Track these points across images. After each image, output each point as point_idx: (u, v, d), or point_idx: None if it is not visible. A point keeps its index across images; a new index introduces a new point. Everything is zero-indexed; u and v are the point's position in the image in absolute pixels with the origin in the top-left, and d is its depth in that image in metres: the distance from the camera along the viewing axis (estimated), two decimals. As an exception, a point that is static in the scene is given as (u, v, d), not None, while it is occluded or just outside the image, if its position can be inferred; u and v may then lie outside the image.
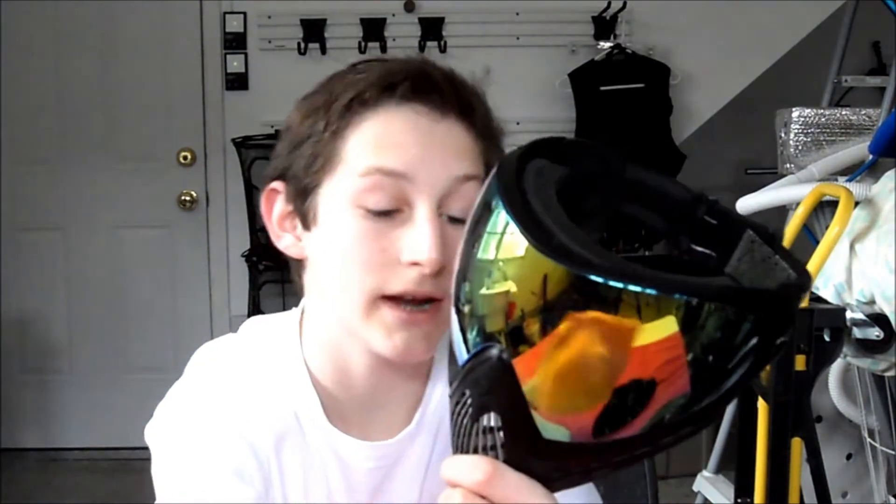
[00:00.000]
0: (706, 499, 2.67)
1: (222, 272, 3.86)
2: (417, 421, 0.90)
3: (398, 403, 0.90)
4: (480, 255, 0.57)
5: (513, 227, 0.55)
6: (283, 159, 0.86)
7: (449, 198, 0.81)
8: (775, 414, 1.50)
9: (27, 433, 3.87)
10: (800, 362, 1.47)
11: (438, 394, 0.91)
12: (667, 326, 0.51)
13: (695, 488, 2.71)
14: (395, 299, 0.81)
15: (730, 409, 2.58)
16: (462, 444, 0.60)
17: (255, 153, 3.56)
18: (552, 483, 0.59)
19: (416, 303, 0.81)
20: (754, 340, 0.52)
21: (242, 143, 3.59)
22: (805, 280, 0.57)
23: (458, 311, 0.59)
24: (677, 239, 0.65)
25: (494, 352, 0.55)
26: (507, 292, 0.54)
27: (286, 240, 0.88)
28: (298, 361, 0.89)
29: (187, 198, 3.82)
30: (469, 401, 0.58)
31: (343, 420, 0.88)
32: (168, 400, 0.89)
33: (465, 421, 0.59)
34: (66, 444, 3.86)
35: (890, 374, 1.84)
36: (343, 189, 0.82)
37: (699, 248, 0.64)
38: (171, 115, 3.80)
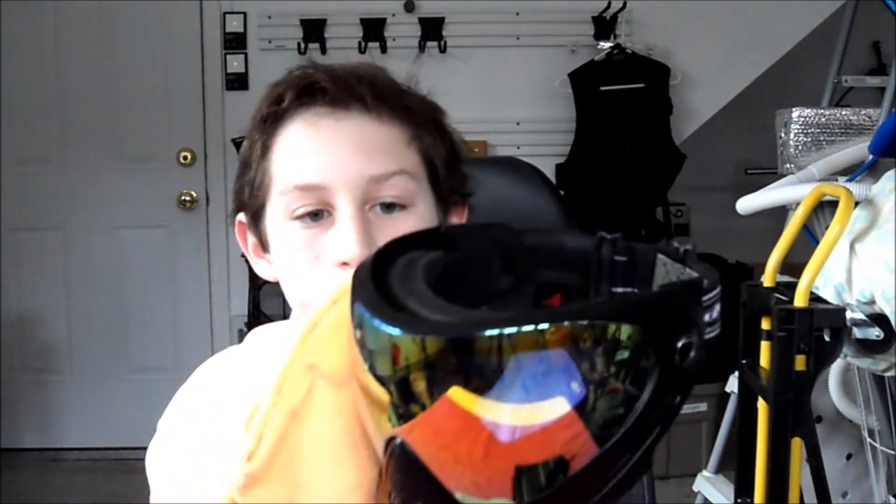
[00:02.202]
0: (706, 499, 2.67)
1: (222, 272, 3.86)
2: None
3: None
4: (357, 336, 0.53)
5: (379, 326, 0.51)
6: (237, 189, 0.88)
7: (374, 192, 0.81)
8: (775, 414, 1.49)
9: (27, 433, 3.87)
10: (800, 362, 1.47)
11: None
12: (557, 407, 0.48)
13: (695, 488, 2.71)
14: None
15: (730, 410, 2.58)
16: None
17: (255, 153, 3.56)
18: None
19: None
20: (650, 353, 0.50)
21: (242, 143, 3.58)
22: (695, 282, 0.54)
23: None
24: (597, 287, 0.63)
25: (397, 442, 0.52)
26: (390, 334, 0.50)
27: (261, 266, 0.90)
28: None
29: (187, 198, 3.82)
30: (394, 500, 0.55)
31: None
32: (169, 416, 0.89)
33: None
34: (66, 444, 3.86)
35: (890, 374, 1.84)
36: (277, 207, 0.83)
37: (620, 289, 0.62)
38: (171, 115, 3.80)
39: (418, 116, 0.85)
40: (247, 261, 3.45)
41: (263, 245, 0.87)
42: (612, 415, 0.50)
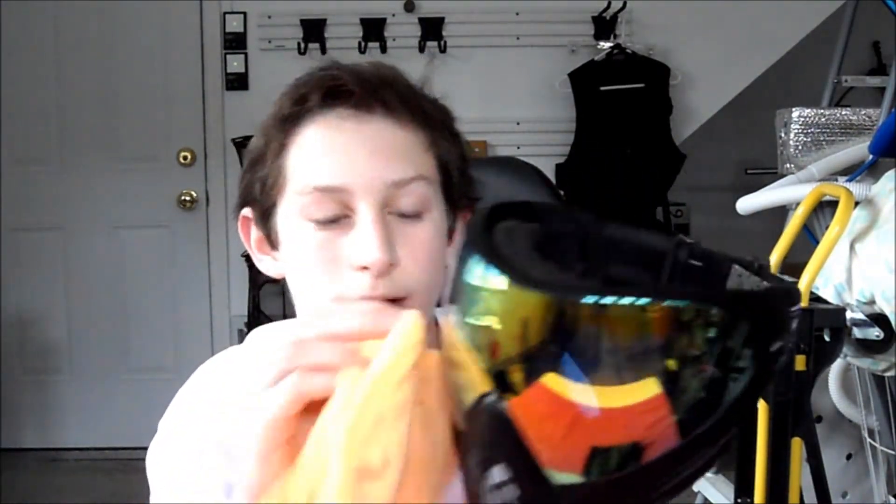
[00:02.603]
0: (706, 499, 2.66)
1: (222, 272, 3.86)
2: None
3: None
4: (466, 280, 0.56)
5: (491, 273, 0.54)
6: (245, 184, 0.87)
7: (394, 198, 0.80)
8: (775, 414, 1.50)
9: (27, 433, 3.86)
10: (800, 362, 1.47)
11: None
12: (648, 388, 0.50)
13: (695, 488, 2.71)
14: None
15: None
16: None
17: (255, 153, 3.56)
18: None
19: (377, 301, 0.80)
20: (748, 351, 0.52)
21: (242, 143, 3.59)
22: (793, 290, 0.56)
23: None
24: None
25: (491, 402, 0.54)
26: (490, 328, 0.53)
27: (265, 263, 0.89)
28: None
29: (187, 198, 3.82)
30: (475, 457, 0.57)
31: None
32: (169, 416, 0.89)
33: (475, 476, 0.57)
34: (66, 444, 3.86)
35: (890, 374, 1.84)
36: (292, 206, 0.82)
37: None
38: (171, 115, 3.80)
39: (434, 121, 0.84)
40: (247, 260, 3.43)
41: (272, 242, 0.86)
42: (700, 401, 0.51)
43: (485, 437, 0.56)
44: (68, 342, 3.87)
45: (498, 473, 0.55)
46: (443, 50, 3.72)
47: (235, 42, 3.77)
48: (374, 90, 0.82)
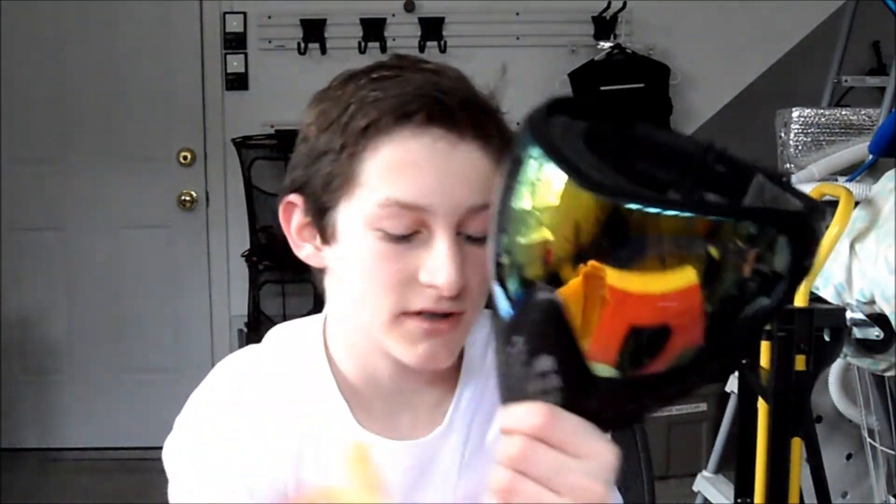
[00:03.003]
0: (706, 499, 2.67)
1: (222, 272, 3.86)
2: (449, 419, 0.91)
3: (426, 404, 0.91)
4: (516, 205, 0.59)
5: (548, 170, 0.57)
6: (301, 173, 0.86)
7: (466, 221, 0.81)
8: (775, 414, 1.50)
9: (27, 433, 3.86)
10: (800, 362, 1.47)
11: (469, 393, 0.92)
12: (687, 276, 0.54)
13: (695, 488, 2.71)
14: (416, 313, 0.82)
15: (730, 410, 2.58)
16: (515, 393, 0.61)
17: (255, 153, 3.56)
18: (604, 423, 0.61)
19: (438, 314, 0.82)
20: (785, 263, 0.55)
21: (242, 143, 3.59)
22: (819, 207, 0.60)
23: (498, 265, 0.61)
24: (690, 189, 0.66)
25: (544, 295, 0.57)
26: (544, 240, 0.57)
27: (306, 250, 0.88)
28: (324, 368, 0.90)
29: (187, 198, 3.82)
30: (522, 347, 0.59)
31: (370, 423, 0.89)
32: (186, 414, 0.89)
33: (517, 369, 0.60)
34: (66, 444, 3.86)
35: (890, 374, 1.84)
36: (361, 212, 0.82)
37: (711, 196, 0.66)
38: (171, 115, 3.80)
39: (506, 144, 0.84)
40: (247, 260, 3.44)
41: (325, 237, 0.85)
42: (729, 298, 0.55)
43: (535, 328, 0.58)
44: (68, 342, 3.87)
45: (544, 362, 0.58)
46: (443, 50, 3.72)
47: (235, 42, 3.77)
48: (474, 116, 0.83)
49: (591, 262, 0.55)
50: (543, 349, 0.58)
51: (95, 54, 3.76)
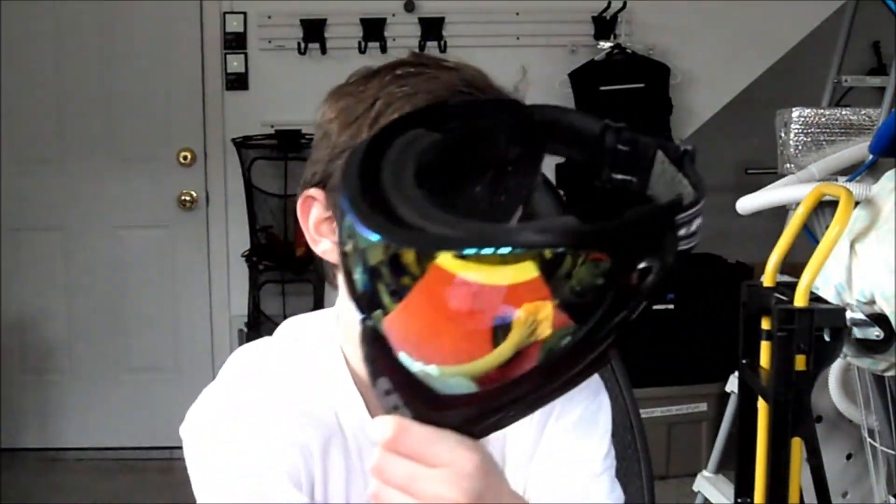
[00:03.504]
0: (706, 499, 2.67)
1: (222, 272, 3.86)
2: None
3: None
4: (345, 248, 0.60)
5: (351, 222, 0.58)
6: (323, 167, 0.86)
7: None
8: (775, 414, 1.50)
9: (27, 433, 3.86)
10: (800, 362, 1.47)
11: None
12: (528, 270, 0.53)
13: (695, 488, 2.71)
14: None
15: (730, 410, 2.58)
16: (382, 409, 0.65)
17: (255, 153, 3.56)
18: (472, 428, 0.63)
19: None
20: (609, 275, 0.54)
21: (242, 143, 3.59)
22: (679, 200, 0.58)
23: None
24: (597, 169, 0.67)
25: (368, 323, 0.60)
26: (364, 277, 0.58)
27: (324, 244, 0.88)
28: (339, 361, 0.90)
29: (187, 198, 3.82)
30: (369, 371, 0.63)
31: None
32: (205, 402, 0.89)
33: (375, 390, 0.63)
34: (66, 444, 3.86)
35: (890, 374, 1.84)
36: None
37: (619, 176, 0.67)
38: (171, 115, 3.80)
39: None
40: (247, 260, 3.43)
41: None
42: (579, 292, 0.55)
43: (366, 355, 0.62)
44: (68, 342, 3.87)
45: (383, 384, 0.62)
46: (443, 50, 3.72)
47: (235, 42, 3.77)
48: None
49: (443, 255, 0.55)
50: (378, 372, 0.62)
51: (95, 54, 3.76)
